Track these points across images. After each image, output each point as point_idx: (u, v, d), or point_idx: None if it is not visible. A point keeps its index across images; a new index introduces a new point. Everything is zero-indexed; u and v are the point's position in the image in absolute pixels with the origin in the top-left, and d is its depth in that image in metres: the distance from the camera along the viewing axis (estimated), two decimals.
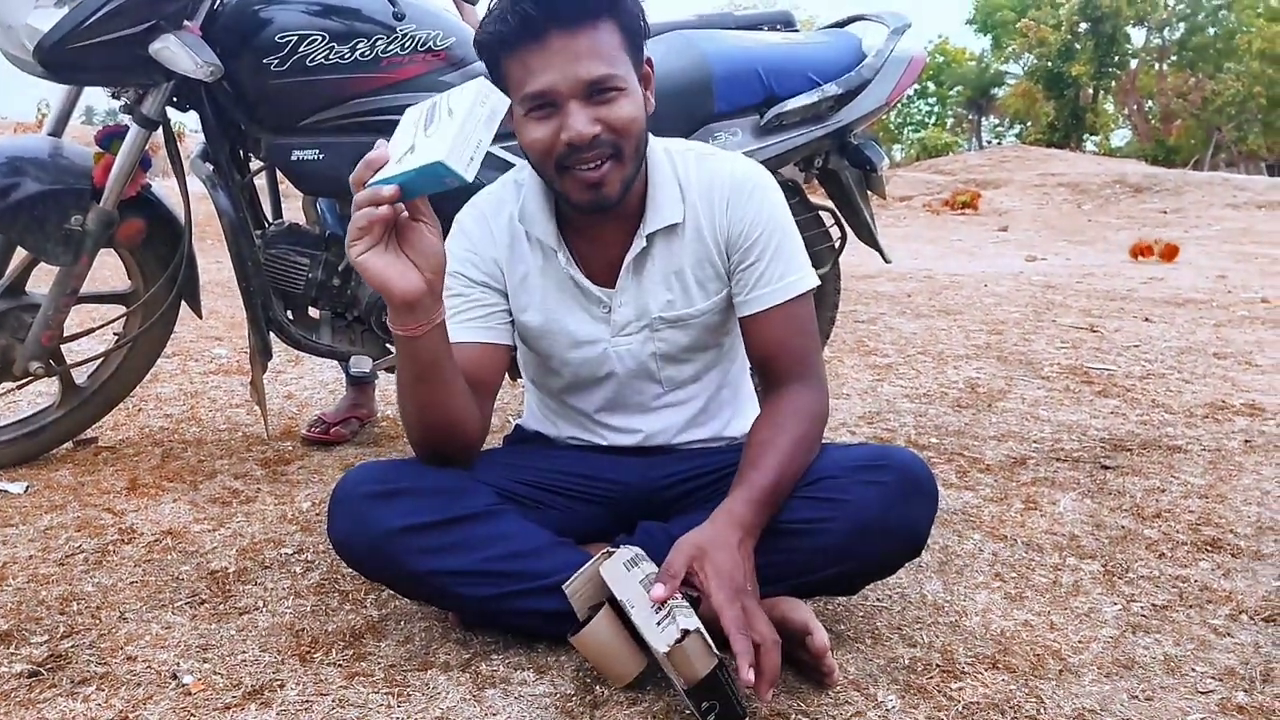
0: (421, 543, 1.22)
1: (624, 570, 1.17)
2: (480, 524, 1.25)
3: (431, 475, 1.28)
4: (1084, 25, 30.38)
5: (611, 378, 1.40)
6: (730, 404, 1.49)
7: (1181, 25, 32.68)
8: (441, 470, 1.29)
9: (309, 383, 2.87)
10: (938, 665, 1.27)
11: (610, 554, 1.21)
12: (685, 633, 1.05)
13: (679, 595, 1.13)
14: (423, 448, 1.30)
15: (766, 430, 1.27)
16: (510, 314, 1.38)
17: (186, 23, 1.79)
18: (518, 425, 1.59)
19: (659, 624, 1.08)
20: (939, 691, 1.21)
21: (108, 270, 2.22)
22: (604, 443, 1.46)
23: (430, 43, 1.88)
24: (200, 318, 2.26)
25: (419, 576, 1.24)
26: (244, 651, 1.29)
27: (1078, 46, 30.70)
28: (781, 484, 1.23)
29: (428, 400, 1.23)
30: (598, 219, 1.30)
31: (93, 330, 2.18)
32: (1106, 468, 2.13)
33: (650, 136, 1.32)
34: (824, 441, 1.34)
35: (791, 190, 2.23)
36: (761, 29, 2.25)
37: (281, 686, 1.21)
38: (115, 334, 2.21)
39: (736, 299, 1.35)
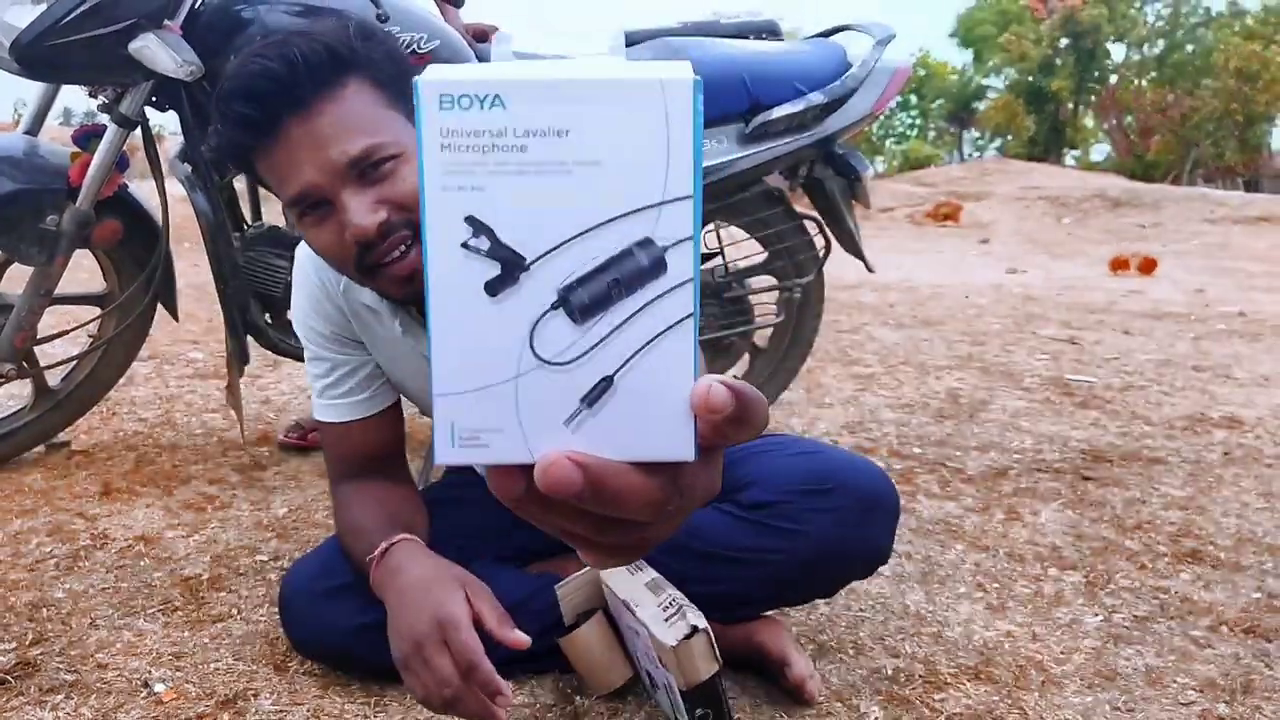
0: (381, 639, 1.04)
1: (627, 574, 1.16)
2: None
3: None
4: (1065, 41, 30.76)
5: None
6: None
7: (1161, 42, 33.14)
8: None
9: (286, 388, 2.84)
10: (920, 676, 1.26)
11: None
12: (695, 629, 1.04)
13: (685, 599, 1.11)
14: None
15: None
16: (378, 366, 1.25)
17: (167, 21, 1.76)
18: None
19: (668, 620, 1.07)
20: (922, 703, 1.20)
21: (83, 272, 2.19)
22: None
23: (414, 45, 1.86)
24: (176, 320, 2.23)
25: (387, 671, 1.10)
26: (218, 660, 1.27)
27: (1058, 61, 31.06)
28: None
29: None
30: None
31: (67, 332, 2.14)
32: (1087, 479, 2.13)
33: None
34: (765, 436, 1.26)
35: (776, 199, 2.23)
36: (747, 37, 2.25)
37: (256, 696, 1.18)
38: (90, 336, 2.18)
39: None
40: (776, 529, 1.17)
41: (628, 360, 0.33)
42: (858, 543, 1.18)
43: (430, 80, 0.32)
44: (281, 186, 1.01)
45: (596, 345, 0.33)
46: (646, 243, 0.32)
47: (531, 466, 0.33)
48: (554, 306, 0.33)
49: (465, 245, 0.32)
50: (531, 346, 0.33)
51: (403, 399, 1.33)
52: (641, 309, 0.33)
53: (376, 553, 1.09)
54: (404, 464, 1.30)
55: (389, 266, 1.01)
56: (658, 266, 0.33)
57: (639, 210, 0.32)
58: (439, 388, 0.34)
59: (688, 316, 0.33)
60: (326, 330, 1.22)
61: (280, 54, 0.95)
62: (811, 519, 1.16)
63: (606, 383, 0.33)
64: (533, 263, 0.32)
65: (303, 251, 1.22)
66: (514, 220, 0.32)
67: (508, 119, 0.32)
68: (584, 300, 0.33)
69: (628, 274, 0.33)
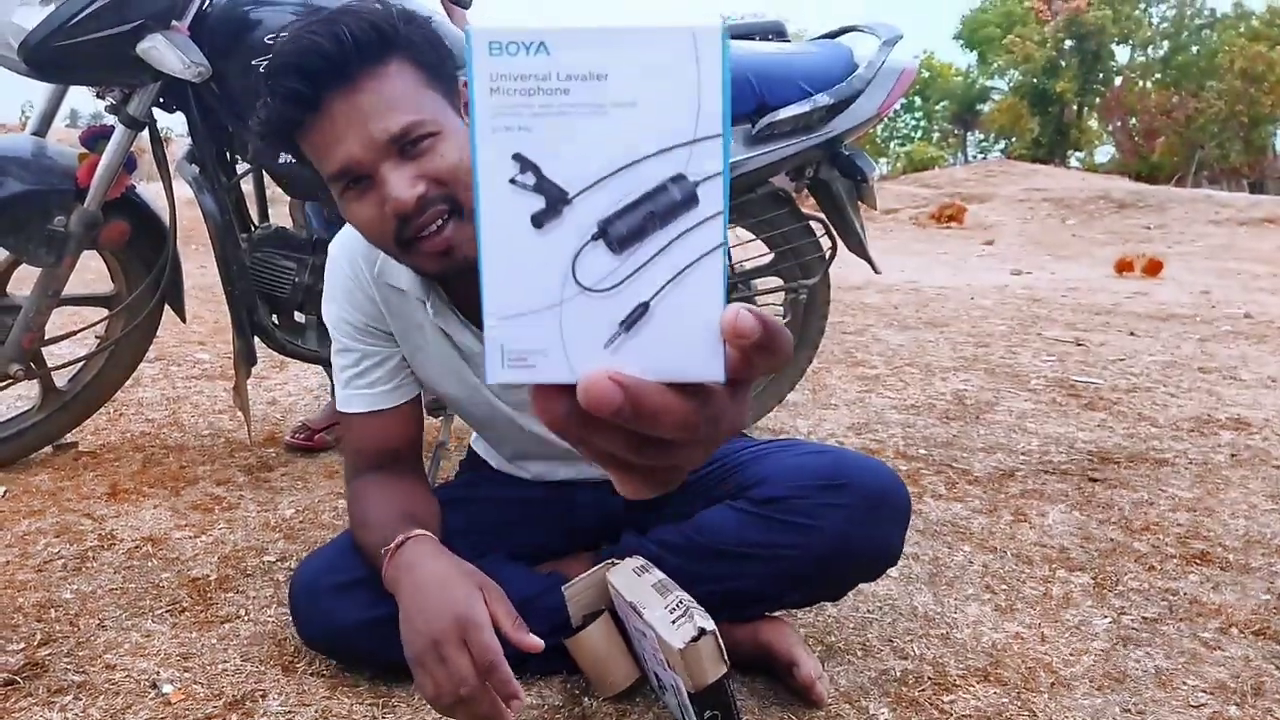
0: (390, 633, 1.05)
1: (634, 576, 1.16)
2: None
3: None
4: (1069, 42, 30.72)
5: (517, 427, 1.29)
6: None
7: (1165, 44, 33.09)
8: None
9: (293, 388, 2.85)
10: (929, 678, 1.26)
11: (614, 563, 1.20)
12: (702, 631, 1.04)
13: (693, 601, 1.11)
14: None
15: None
16: (404, 359, 1.26)
17: (175, 23, 1.77)
18: (470, 448, 1.53)
19: (675, 622, 1.06)
20: (931, 704, 1.20)
21: (90, 273, 2.20)
22: (530, 475, 1.39)
23: None
24: (184, 322, 2.23)
25: (396, 665, 1.13)
26: (225, 661, 1.27)
27: (1063, 63, 31.02)
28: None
29: None
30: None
31: (75, 333, 2.15)
32: (1094, 480, 2.13)
33: None
34: (774, 439, 1.28)
35: (782, 200, 2.23)
36: (754, 39, 2.24)
37: (264, 697, 1.18)
38: (97, 337, 2.18)
39: None
40: (789, 524, 1.17)
41: (662, 287, 0.35)
42: (869, 540, 1.18)
43: (481, 29, 0.34)
44: (324, 161, 1.03)
45: (634, 273, 0.35)
46: (679, 178, 0.35)
47: (573, 387, 0.35)
48: (594, 237, 0.35)
49: (513, 181, 0.35)
50: (574, 274, 0.35)
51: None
52: (675, 240, 0.35)
53: (391, 546, 1.09)
54: (420, 462, 1.31)
55: (426, 240, 1.03)
56: (690, 200, 0.35)
57: (672, 148, 0.34)
58: (489, 313, 0.36)
59: (718, 247, 0.35)
60: (357, 320, 1.23)
61: (329, 31, 0.97)
62: (824, 514, 1.16)
63: (643, 308, 0.35)
64: (574, 197, 0.35)
65: (336, 245, 1.24)
66: (557, 157, 0.35)
67: (551, 64, 0.34)
68: (622, 231, 0.35)
69: (662, 207, 0.35)
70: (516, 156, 0.35)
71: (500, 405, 1.27)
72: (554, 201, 0.35)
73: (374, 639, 1.16)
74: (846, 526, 1.16)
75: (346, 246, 1.22)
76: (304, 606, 1.22)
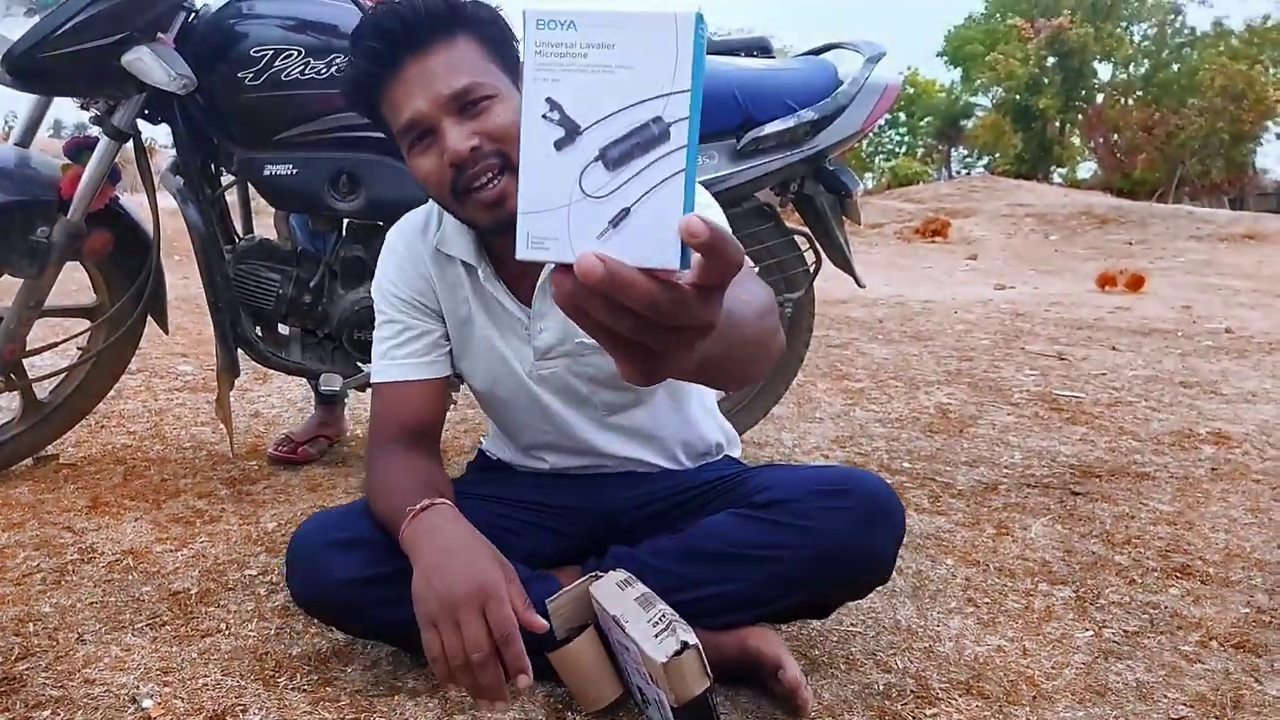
0: (383, 593, 1.18)
1: (617, 590, 1.16)
2: None
3: None
4: (1051, 60, 31.00)
5: (540, 410, 1.35)
6: (679, 421, 1.42)
7: (1146, 61, 33.45)
8: None
9: (276, 401, 2.84)
10: (912, 691, 1.26)
11: (598, 576, 1.20)
12: (685, 645, 1.05)
13: (676, 614, 1.12)
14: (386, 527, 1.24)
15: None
16: (447, 338, 1.35)
17: (160, 35, 1.77)
18: (481, 450, 1.56)
19: (657, 636, 1.07)
20: (913, 718, 1.20)
21: (73, 284, 2.18)
22: (548, 466, 1.44)
23: None
24: (167, 333, 2.22)
25: (384, 626, 1.22)
26: (206, 675, 1.26)
27: (1045, 80, 31.30)
28: (740, 316, 1.07)
29: None
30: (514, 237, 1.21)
31: (56, 344, 2.13)
32: (1076, 494, 2.14)
33: None
34: (781, 462, 1.32)
35: (767, 214, 2.24)
36: (739, 54, 2.26)
37: (244, 711, 1.18)
38: (79, 349, 2.17)
39: None
40: (787, 525, 1.21)
41: (640, 198, 0.49)
42: (865, 547, 1.21)
43: (531, 10, 0.50)
44: (395, 115, 1.16)
45: (621, 186, 0.49)
46: (658, 119, 0.48)
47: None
48: (595, 159, 0.49)
49: (544, 116, 0.49)
50: (580, 184, 0.49)
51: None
52: (651, 164, 0.49)
53: (415, 508, 1.13)
54: (439, 446, 1.35)
55: (478, 192, 1.15)
56: (664, 136, 0.48)
57: (654, 98, 0.48)
58: (522, 209, 0.50)
59: (681, 170, 0.48)
60: (406, 295, 1.33)
61: (410, 4, 1.13)
62: (822, 517, 1.20)
63: (625, 212, 0.49)
64: (585, 129, 0.49)
65: (393, 231, 1.37)
66: (575, 101, 0.49)
67: (577, 36, 0.49)
68: (615, 155, 0.49)
69: (645, 139, 0.48)
70: (548, 99, 0.49)
71: (529, 383, 1.33)
72: (570, 131, 0.49)
73: (368, 596, 1.19)
74: (845, 531, 1.19)
75: (402, 228, 1.37)
76: (301, 562, 1.23)
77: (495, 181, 1.15)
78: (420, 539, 1.11)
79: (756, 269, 2.26)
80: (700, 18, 0.48)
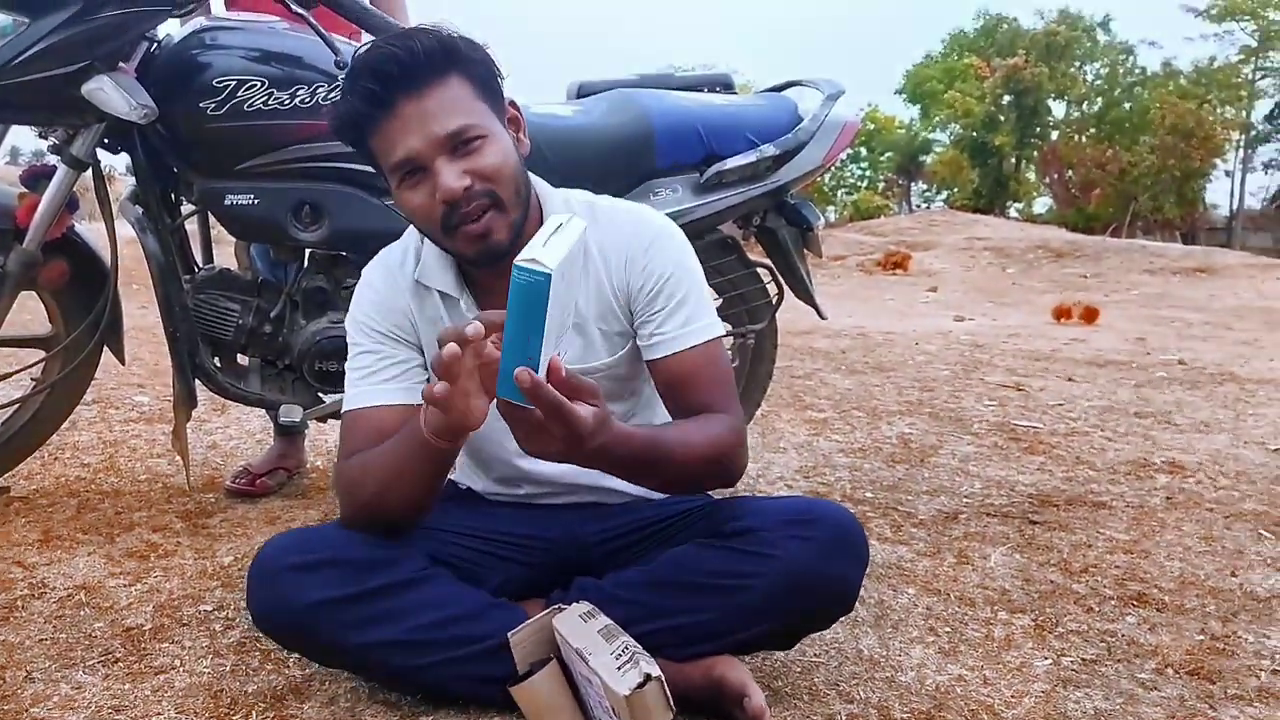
0: (345, 615, 1.18)
1: (580, 622, 1.16)
2: (408, 591, 1.22)
3: (357, 544, 1.24)
4: (1007, 98, 31.71)
5: (504, 446, 1.37)
6: None
7: (1099, 100, 34.32)
8: (367, 538, 1.25)
9: (234, 432, 2.80)
10: None
11: (561, 609, 1.20)
12: (648, 678, 1.04)
13: (639, 646, 1.11)
14: (369, 522, 1.25)
15: (675, 426, 1.27)
16: (425, 368, 1.35)
17: (121, 64, 1.76)
18: (450, 480, 1.56)
19: (620, 668, 1.06)
20: None
21: (28, 313, 2.15)
22: (523, 493, 1.44)
23: None
24: (123, 364, 2.19)
25: (344, 650, 1.21)
26: (159, 713, 1.24)
27: (1001, 118, 32.01)
28: (668, 451, 1.17)
29: (423, 487, 1.22)
30: (498, 269, 1.19)
31: (9, 375, 2.09)
32: (1034, 523, 2.17)
33: (549, 187, 1.32)
34: (751, 495, 1.34)
35: (730, 247, 2.26)
36: (701, 90, 2.29)
37: None
38: (33, 379, 2.13)
39: (642, 344, 1.33)
40: (753, 554, 1.22)
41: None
42: (830, 575, 1.23)
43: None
44: (389, 153, 1.19)
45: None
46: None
47: None
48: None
49: None
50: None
51: None
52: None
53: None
54: None
55: (466, 225, 1.19)
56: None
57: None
58: None
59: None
60: (385, 328, 1.34)
61: (405, 44, 1.15)
62: (788, 545, 1.21)
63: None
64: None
65: (370, 267, 1.39)
66: None
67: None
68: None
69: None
70: None
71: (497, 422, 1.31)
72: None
73: (323, 619, 1.18)
74: (810, 558, 1.21)
75: (381, 264, 1.39)
76: (260, 582, 1.22)
77: (483, 217, 1.19)
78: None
79: (720, 300, 2.28)
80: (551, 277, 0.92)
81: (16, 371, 2.10)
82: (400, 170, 1.19)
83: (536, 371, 0.93)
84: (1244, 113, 30.89)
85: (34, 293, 1.99)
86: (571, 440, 1.01)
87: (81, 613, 1.54)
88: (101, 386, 3.22)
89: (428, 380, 1.35)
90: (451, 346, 0.98)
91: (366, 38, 1.84)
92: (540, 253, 0.94)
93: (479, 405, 1.05)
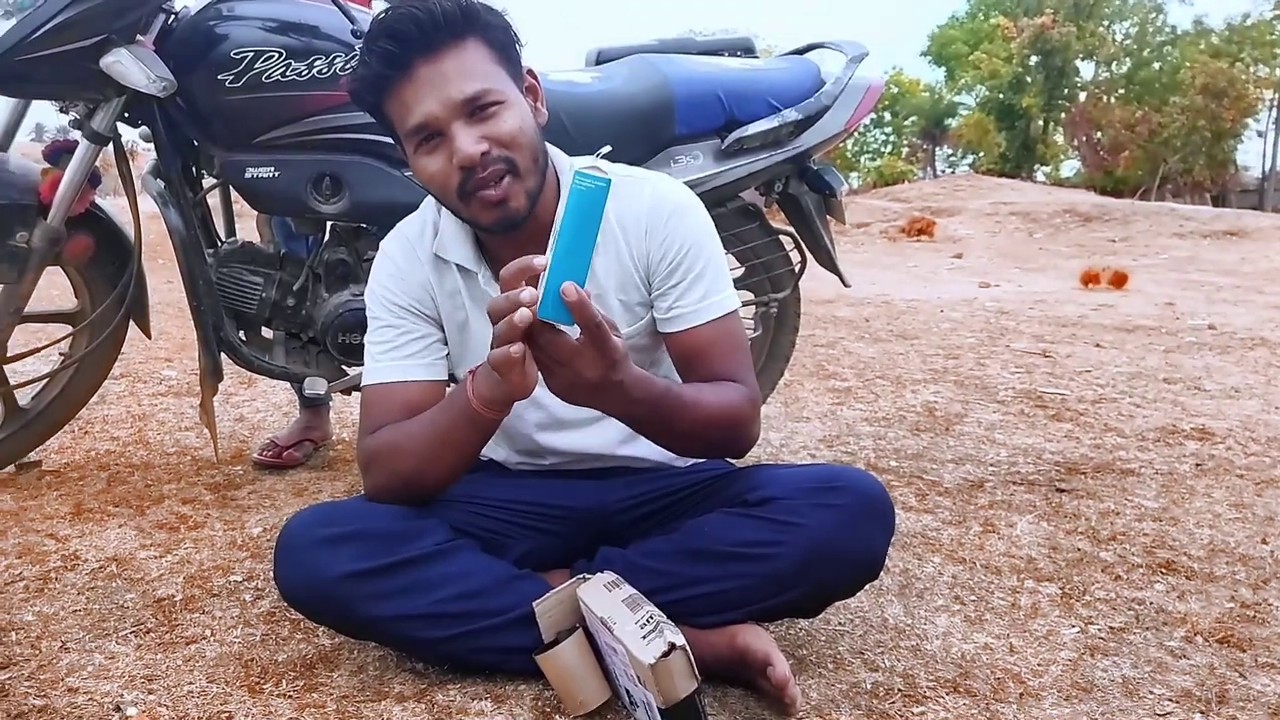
0: (371, 588, 1.19)
1: (605, 591, 1.16)
2: (433, 564, 1.22)
3: (382, 517, 1.24)
4: (1034, 59, 31.14)
5: (539, 408, 1.37)
6: None
7: (1128, 60, 33.62)
8: (392, 511, 1.25)
9: (261, 405, 2.82)
10: (899, 690, 1.26)
11: (586, 579, 1.20)
12: (673, 646, 1.04)
13: (664, 615, 1.12)
14: (404, 494, 1.26)
15: (691, 385, 1.25)
16: (445, 343, 1.36)
17: (140, 37, 1.76)
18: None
19: (645, 637, 1.07)
20: (901, 716, 1.20)
21: (54, 289, 2.17)
22: (548, 464, 1.44)
23: None
24: (149, 338, 2.21)
25: (371, 622, 1.21)
26: (191, 682, 1.25)
27: (1028, 79, 31.44)
28: (682, 404, 1.17)
29: (465, 457, 1.23)
30: (515, 239, 1.23)
31: (38, 350, 2.11)
32: (1061, 490, 2.15)
33: (566, 157, 1.30)
34: (769, 462, 1.33)
35: (752, 214, 2.24)
36: (722, 55, 2.26)
37: (230, 718, 1.17)
38: (61, 354, 2.15)
39: (659, 317, 1.32)
40: (778, 522, 1.22)
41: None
42: (857, 542, 1.22)
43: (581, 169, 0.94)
44: (405, 117, 1.18)
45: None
46: None
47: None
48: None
49: None
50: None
51: None
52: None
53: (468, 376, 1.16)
54: None
55: (483, 191, 1.17)
56: None
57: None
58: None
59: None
60: (405, 301, 1.33)
61: (423, 6, 1.14)
62: (816, 513, 1.21)
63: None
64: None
65: (388, 240, 1.38)
66: None
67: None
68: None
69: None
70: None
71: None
72: None
73: (357, 591, 1.19)
74: (836, 526, 1.20)
75: (400, 236, 1.37)
76: (287, 555, 1.23)
77: (500, 183, 1.17)
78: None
79: (742, 269, 2.26)
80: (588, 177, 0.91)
81: (45, 346, 2.12)
82: (417, 135, 1.18)
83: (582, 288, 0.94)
84: (1278, 71, 30.20)
85: (60, 268, 2.00)
86: (604, 367, 1.03)
87: (114, 584, 1.57)
88: (129, 361, 3.26)
89: (447, 355, 1.35)
90: (524, 311, 0.97)
91: (379, 6, 1.83)
92: (597, 164, 0.94)
93: (532, 371, 1.05)
